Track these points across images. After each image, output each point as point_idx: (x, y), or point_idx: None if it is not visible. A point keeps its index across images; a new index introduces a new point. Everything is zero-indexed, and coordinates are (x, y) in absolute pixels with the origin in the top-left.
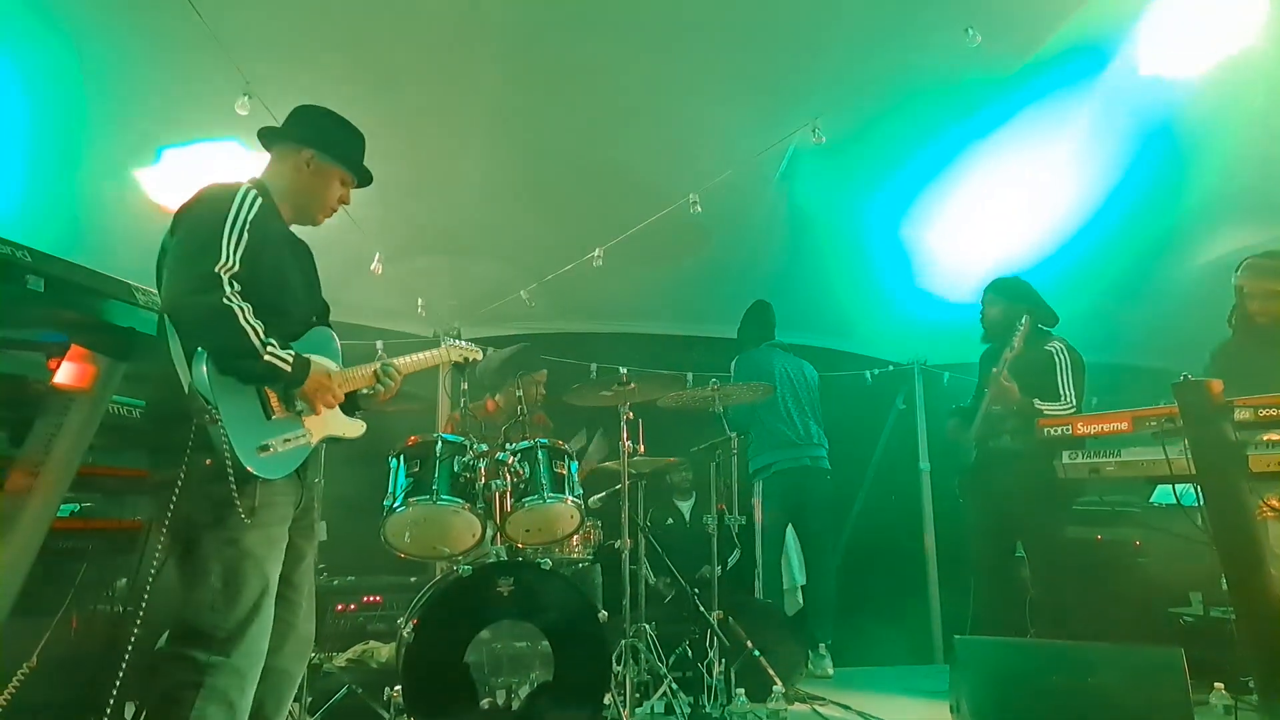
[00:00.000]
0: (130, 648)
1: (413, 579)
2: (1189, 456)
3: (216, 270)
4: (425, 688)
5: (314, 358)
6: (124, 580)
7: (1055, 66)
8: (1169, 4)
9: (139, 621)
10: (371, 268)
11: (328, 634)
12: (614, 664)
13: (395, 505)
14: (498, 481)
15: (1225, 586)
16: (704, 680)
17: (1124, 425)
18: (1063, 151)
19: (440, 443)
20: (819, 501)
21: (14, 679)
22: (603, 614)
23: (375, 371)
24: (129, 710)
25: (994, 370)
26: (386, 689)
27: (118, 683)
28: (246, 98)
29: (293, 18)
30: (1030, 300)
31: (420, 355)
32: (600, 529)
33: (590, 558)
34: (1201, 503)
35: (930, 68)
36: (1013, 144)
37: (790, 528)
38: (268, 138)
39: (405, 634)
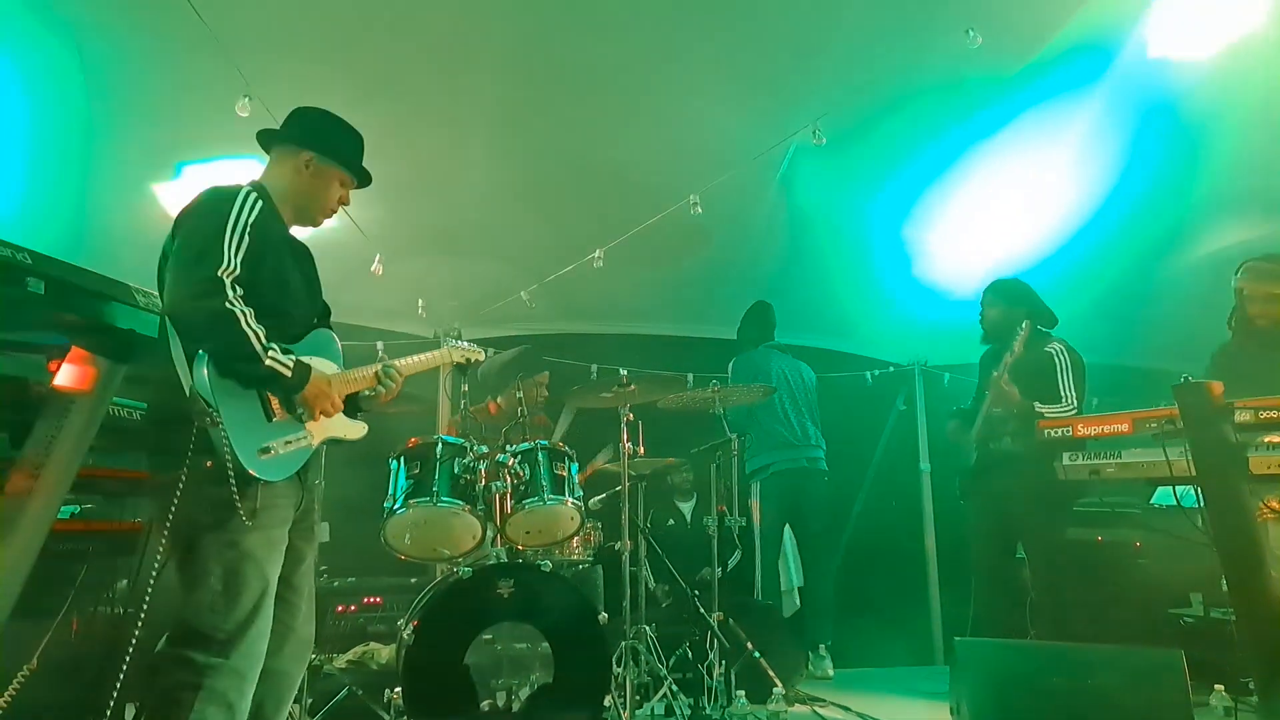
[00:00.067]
0: (132, 649)
1: (413, 580)
2: (1189, 458)
3: (219, 274)
4: (425, 689)
5: (314, 363)
6: (124, 582)
7: (1056, 67)
8: None
9: (140, 623)
10: (372, 269)
11: (328, 635)
12: (614, 665)
13: (395, 507)
14: (498, 483)
15: (1225, 588)
16: (704, 682)
17: (1124, 427)
18: (1063, 152)
19: (440, 444)
20: (817, 502)
21: (14, 681)
22: (603, 616)
23: (376, 373)
24: (129, 712)
25: (994, 374)
26: (386, 690)
27: (118, 684)
28: (247, 99)
29: (293, 19)
30: (1029, 302)
31: (422, 356)
32: (600, 530)
33: (590, 559)
34: (1202, 504)
35: (931, 69)
36: (1014, 144)
37: (788, 529)
38: (266, 140)
39: (405, 635)
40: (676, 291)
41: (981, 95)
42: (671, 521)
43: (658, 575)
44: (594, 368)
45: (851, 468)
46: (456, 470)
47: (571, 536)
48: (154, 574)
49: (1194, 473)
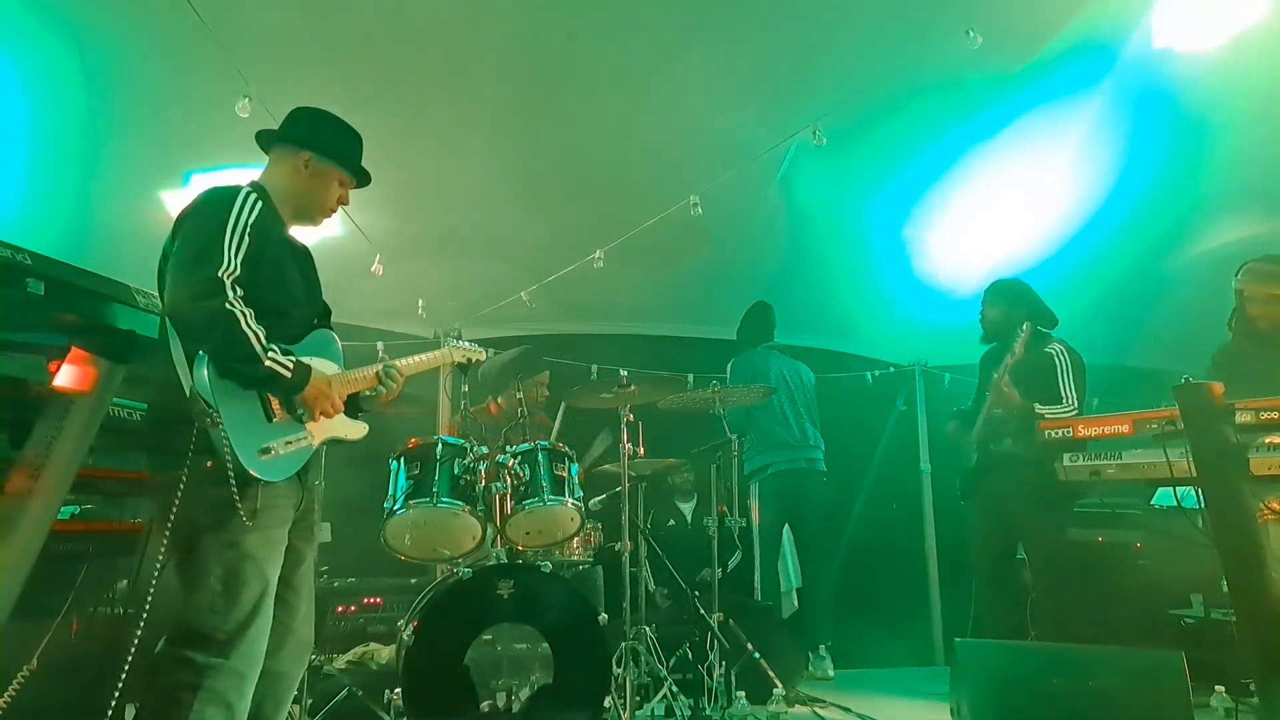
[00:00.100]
0: (134, 650)
1: (413, 581)
2: (1190, 459)
3: (219, 275)
4: (425, 690)
5: (315, 364)
6: (124, 582)
7: (1058, 66)
8: None
9: (143, 623)
10: (372, 269)
11: (328, 635)
12: (614, 666)
13: (395, 507)
14: (498, 484)
15: (1226, 589)
16: (704, 683)
17: (1125, 428)
18: (1064, 152)
19: (441, 445)
20: (815, 503)
21: (14, 681)
22: (603, 616)
23: (377, 373)
24: (129, 712)
25: (995, 376)
26: (386, 691)
27: (120, 685)
28: (247, 99)
29: (293, 20)
30: (1030, 302)
31: (422, 356)
32: (601, 531)
33: (590, 560)
34: (1202, 505)
35: (932, 69)
36: (1014, 144)
37: (787, 530)
38: (265, 140)
39: (405, 636)
40: (677, 292)
41: (982, 95)
42: (672, 522)
43: (658, 577)
44: (594, 368)
45: (852, 468)
46: (456, 471)
47: (571, 537)
48: (155, 574)
49: (1194, 474)
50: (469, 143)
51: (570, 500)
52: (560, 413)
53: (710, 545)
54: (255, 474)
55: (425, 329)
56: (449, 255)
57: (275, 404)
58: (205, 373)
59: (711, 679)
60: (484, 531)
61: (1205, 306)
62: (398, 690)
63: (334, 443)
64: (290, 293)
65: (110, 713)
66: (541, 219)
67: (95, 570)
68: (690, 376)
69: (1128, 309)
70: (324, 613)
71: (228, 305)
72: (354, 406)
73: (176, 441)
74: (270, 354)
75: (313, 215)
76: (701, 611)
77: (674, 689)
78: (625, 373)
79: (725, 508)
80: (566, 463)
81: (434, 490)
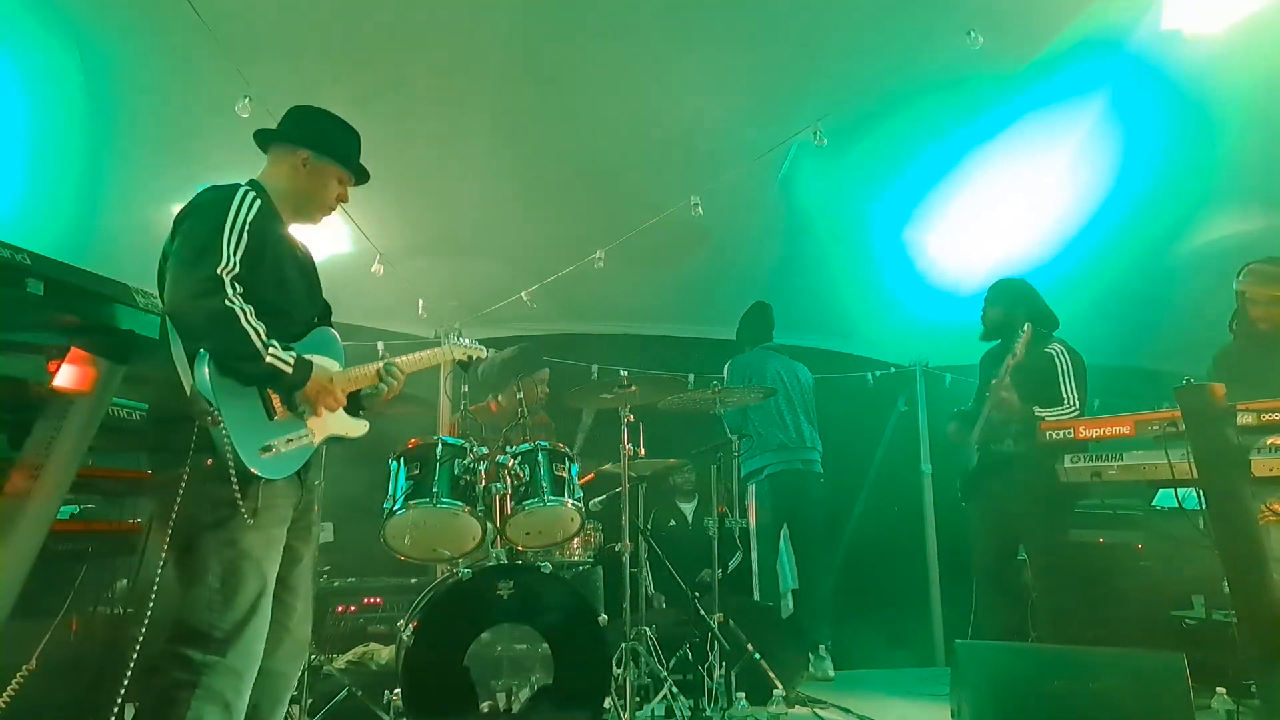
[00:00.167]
0: (137, 650)
1: (413, 581)
2: (1191, 460)
3: (218, 272)
4: (425, 690)
5: (316, 359)
6: (124, 582)
7: (1060, 66)
8: None
9: (146, 623)
10: (372, 269)
11: (328, 636)
12: (614, 667)
13: (395, 508)
14: (498, 484)
15: (1227, 590)
16: (704, 683)
17: (1126, 429)
18: (1065, 153)
19: (440, 445)
20: (812, 505)
21: (14, 681)
22: (602, 617)
23: (378, 371)
24: (129, 712)
25: (994, 381)
26: (386, 691)
27: (124, 685)
28: (247, 99)
29: (293, 20)
30: (1031, 303)
31: (423, 354)
32: (601, 532)
33: (590, 561)
34: (1204, 506)
35: (932, 70)
36: (1016, 145)
37: (785, 530)
38: (263, 139)
39: (405, 636)
40: (677, 292)
41: (984, 96)
42: (673, 522)
43: (657, 579)
44: (594, 368)
45: (853, 469)
46: (456, 471)
47: (572, 538)
48: (157, 574)
49: (1196, 475)
50: (469, 143)
51: (570, 501)
52: (590, 418)
53: (711, 546)
54: (256, 472)
55: (425, 329)
56: (449, 255)
57: (276, 402)
58: (206, 371)
59: (712, 680)
60: (484, 532)
61: (1207, 307)
62: (397, 690)
63: (335, 440)
64: (290, 291)
65: (115, 713)
66: (542, 219)
67: (95, 570)
68: (691, 377)
69: (1129, 310)
70: (324, 613)
71: (227, 302)
72: (355, 404)
73: (177, 440)
74: (270, 350)
75: (312, 213)
76: (702, 612)
77: (674, 690)
78: (625, 373)
79: (726, 508)
80: (566, 463)
81: (434, 490)
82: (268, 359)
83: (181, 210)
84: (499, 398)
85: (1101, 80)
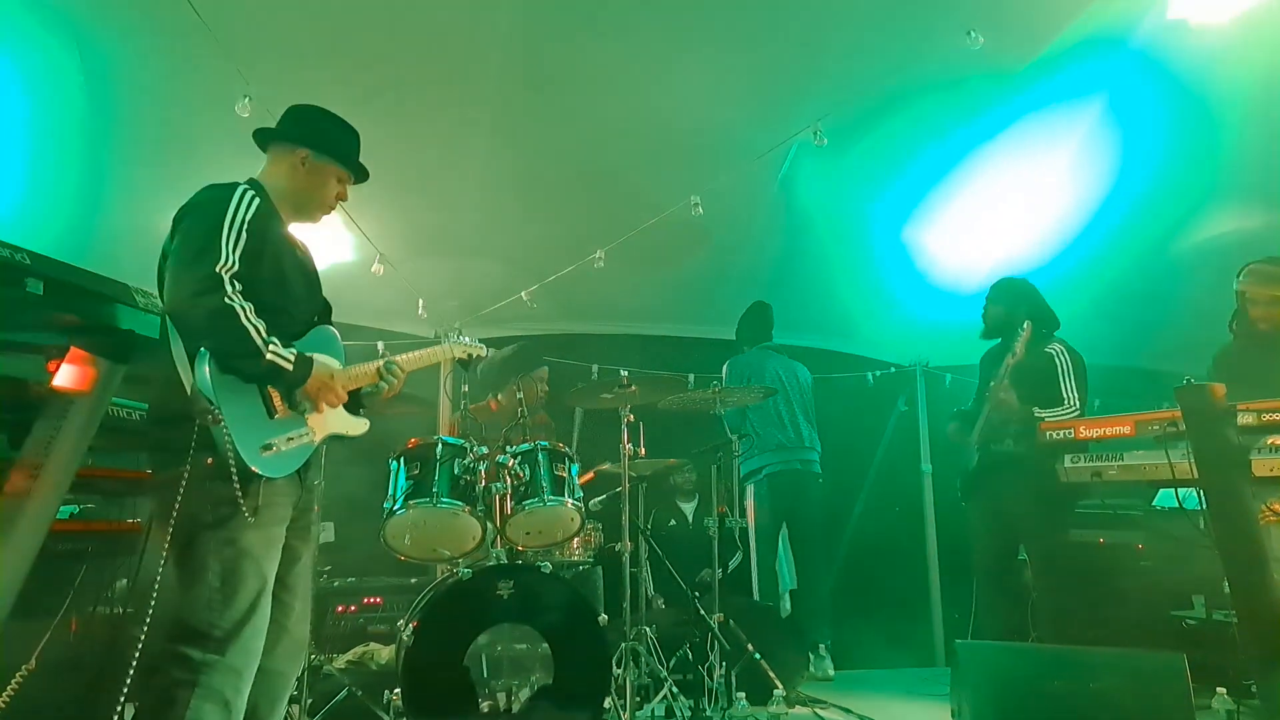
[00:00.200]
0: (140, 650)
1: (413, 581)
2: (1191, 460)
3: (217, 270)
4: (425, 690)
5: (316, 356)
6: (124, 581)
7: (1061, 65)
8: None
9: (148, 623)
10: (372, 269)
11: (328, 635)
12: (614, 667)
13: (395, 507)
14: (498, 484)
15: (1228, 590)
16: (705, 683)
17: (1126, 429)
18: (1066, 152)
19: (440, 445)
20: (810, 505)
21: (13, 680)
22: (602, 617)
23: (378, 369)
24: (129, 711)
25: (993, 383)
26: (386, 691)
27: (127, 685)
28: (247, 99)
29: (293, 19)
30: (1032, 302)
31: (424, 352)
32: (601, 531)
33: (590, 560)
34: (1204, 507)
35: (933, 68)
36: (1017, 144)
37: (784, 530)
38: (263, 138)
39: (405, 636)
40: (677, 292)
41: (984, 95)
42: (673, 522)
43: (657, 579)
44: (595, 368)
45: (853, 469)
46: (456, 471)
47: (572, 537)
48: (158, 574)
49: (1196, 475)
50: (469, 142)
51: (570, 500)
52: (578, 423)
53: (711, 546)
54: (257, 470)
55: (425, 329)
56: (449, 255)
57: (277, 400)
58: (207, 370)
59: (712, 680)
60: (484, 532)
61: (1207, 306)
62: (397, 690)
63: (336, 439)
64: (290, 290)
65: (118, 713)
66: (542, 219)
67: (94, 570)
68: (691, 376)
69: (1129, 309)
70: (324, 612)
71: (226, 300)
72: (355, 403)
73: (178, 439)
74: (271, 347)
75: (311, 212)
76: (702, 612)
77: (674, 690)
78: (626, 373)
79: (726, 508)
80: (566, 463)
81: (434, 490)
82: (268, 356)
83: (180, 209)
84: (498, 397)
85: (1102, 78)
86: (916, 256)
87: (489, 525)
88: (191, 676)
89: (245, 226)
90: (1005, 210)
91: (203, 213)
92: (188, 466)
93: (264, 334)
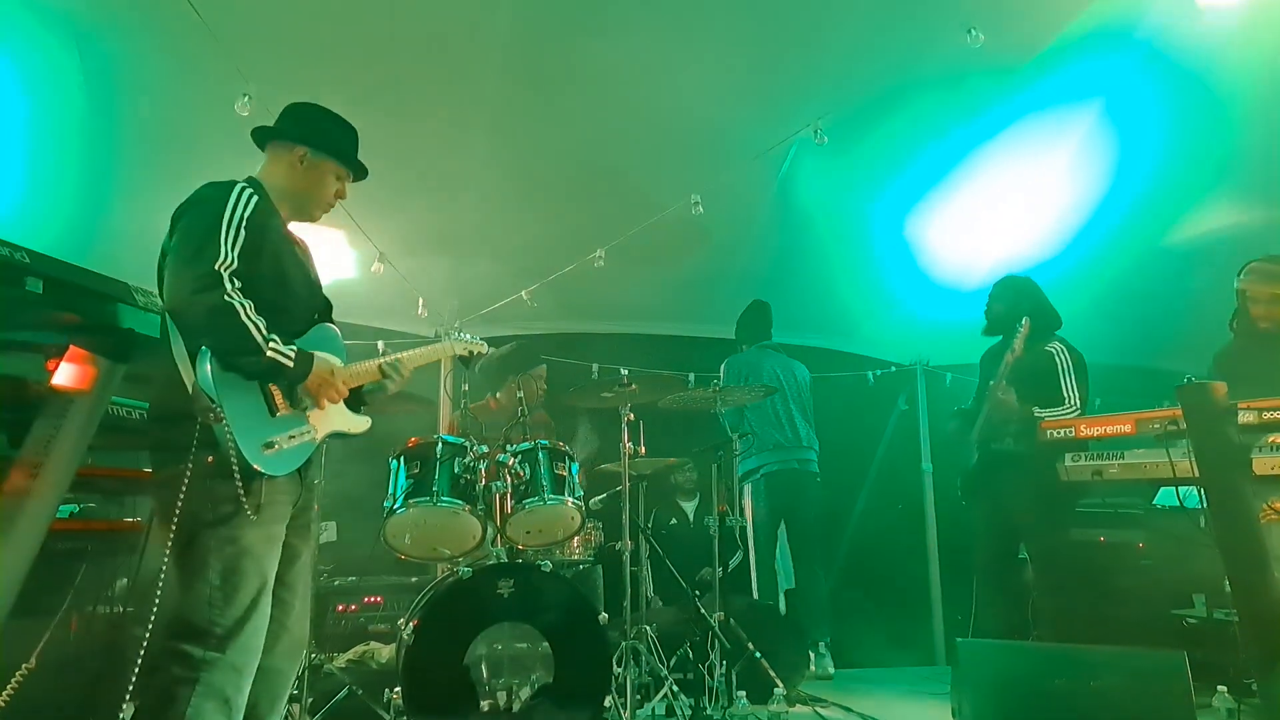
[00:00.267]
0: (143, 649)
1: (413, 580)
2: (1192, 459)
3: (216, 268)
4: (425, 689)
5: (317, 353)
6: (124, 581)
7: (1061, 63)
8: None
9: (151, 622)
10: (372, 268)
11: (328, 634)
12: (615, 666)
13: (395, 507)
14: (498, 483)
15: (1228, 589)
16: (705, 682)
17: (1127, 427)
18: (1067, 150)
19: (440, 444)
20: (808, 504)
21: (13, 679)
22: (603, 616)
23: (381, 366)
24: (128, 710)
25: (992, 383)
26: (386, 690)
27: (131, 683)
28: (246, 98)
29: (293, 19)
30: (1034, 300)
31: (426, 349)
32: (601, 530)
33: (591, 559)
34: (1205, 505)
35: (933, 66)
36: (1017, 143)
37: (783, 530)
38: (261, 136)
39: (405, 635)
40: (678, 291)
41: (985, 93)
42: (674, 521)
43: (656, 578)
44: (595, 367)
45: (853, 468)
46: (457, 470)
47: (572, 536)
48: (161, 573)
49: (1197, 474)
50: (469, 142)
51: (570, 499)
52: (581, 434)
53: (711, 544)
54: (260, 468)
55: (425, 328)
56: (449, 254)
57: (278, 398)
58: (208, 368)
59: (712, 678)
60: (484, 530)
61: (1207, 304)
62: (398, 689)
63: (337, 436)
64: (290, 288)
65: (121, 713)
66: (542, 218)
67: (94, 569)
68: (691, 376)
69: (1129, 308)
70: (324, 611)
71: (226, 298)
72: (357, 400)
73: (179, 438)
74: (271, 344)
75: (310, 210)
76: (702, 611)
77: (674, 688)
78: (626, 372)
79: (727, 506)
80: (567, 462)
81: (434, 489)
82: (269, 353)
83: (179, 207)
84: (497, 395)
85: (1104, 75)
86: (917, 255)
87: (489, 524)
88: (192, 674)
89: (244, 224)
90: (1006, 208)
91: (201, 210)
92: (189, 464)
93: (264, 331)
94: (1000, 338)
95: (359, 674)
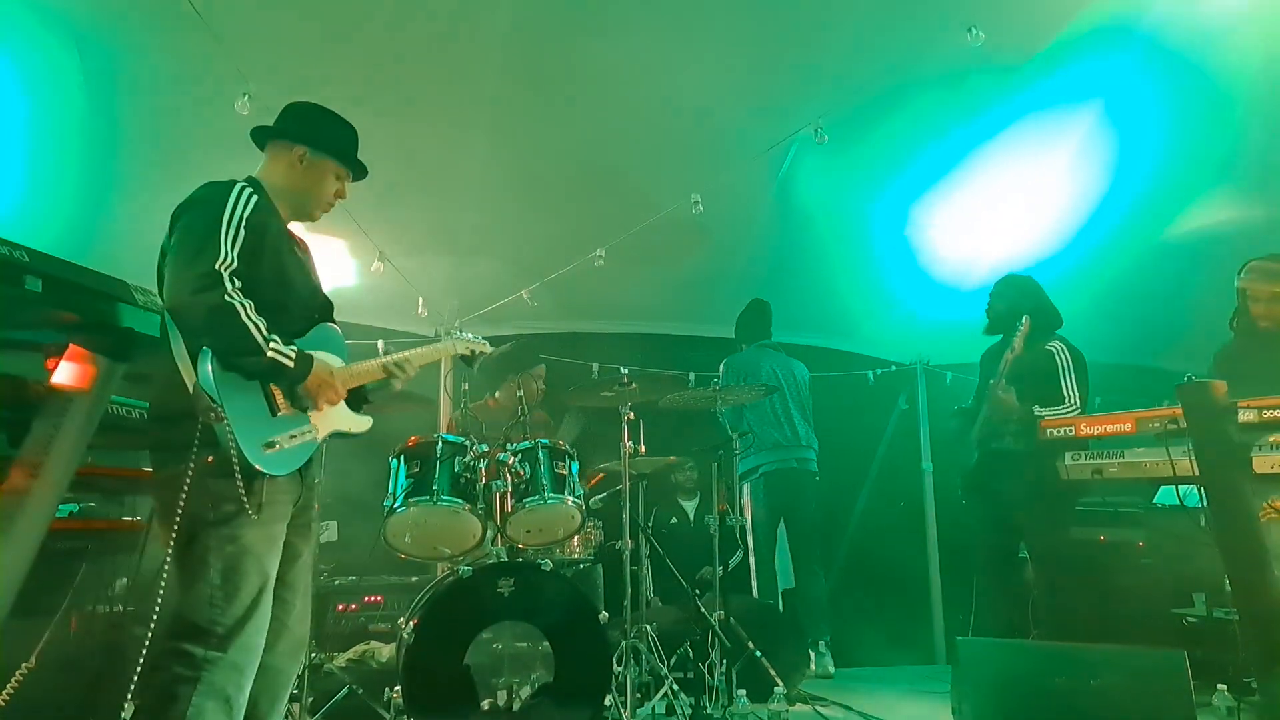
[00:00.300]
0: (146, 648)
1: (413, 579)
2: (1192, 458)
3: (216, 268)
4: (425, 688)
5: (317, 354)
6: (124, 580)
7: (1062, 61)
8: None
9: (154, 620)
10: (372, 267)
11: (329, 634)
12: (615, 665)
13: (396, 506)
14: (498, 482)
15: (1228, 587)
16: (705, 681)
17: (1127, 426)
18: (1067, 149)
19: (440, 443)
20: (807, 503)
21: (13, 678)
22: (603, 615)
23: (385, 365)
24: (128, 710)
25: (992, 382)
26: (387, 689)
27: (133, 682)
28: (246, 97)
29: (293, 18)
30: (1036, 299)
31: (429, 348)
32: (601, 529)
33: (591, 558)
34: (1205, 504)
35: (934, 66)
36: (1018, 142)
37: (782, 529)
38: (260, 136)
39: (406, 634)
40: (678, 290)
41: (986, 92)
42: (674, 520)
43: (656, 577)
44: (595, 366)
45: (853, 467)
46: (457, 469)
47: (572, 535)
48: (164, 573)
49: (1197, 472)
50: (469, 141)
51: (571, 498)
52: (578, 423)
53: (712, 543)
54: (261, 468)
55: (425, 327)
56: (449, 253)
57: (279, 397)
58: (209, 368)
59: (712, 677)
60: (484, 529)
61: (1208, 305)
62: (398, 688)
63: (338, 436)
64: (290, 287)
65: (124, 713)
66: (542, 217)
67: (94, 568)
68: (692, 375)
69: (1129, 307)
70: (325, 611)
71: (227, 298)
72: (358, 400)
73: (180, 437)
74: (272, 344)
75: (310, 210)
76: (702, 610)
77: (675, 687)
78: (626, 371)
79: (727, 505)
80: (567, 461)
81: (434, 488)
82: (269, 354)
83: (179, 206)
84: (495, 395)
85: (1105, 73)
86: (917, 254)
87: (489, 523)
88: (193, 673)
89: (244, 224)
90: (1006, 207)
91: (201, 210)
92: (191, 464)
93: (264, 331)
94: (1001, 337)
95: (359, 673)
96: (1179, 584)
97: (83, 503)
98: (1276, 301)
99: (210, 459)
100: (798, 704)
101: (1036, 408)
